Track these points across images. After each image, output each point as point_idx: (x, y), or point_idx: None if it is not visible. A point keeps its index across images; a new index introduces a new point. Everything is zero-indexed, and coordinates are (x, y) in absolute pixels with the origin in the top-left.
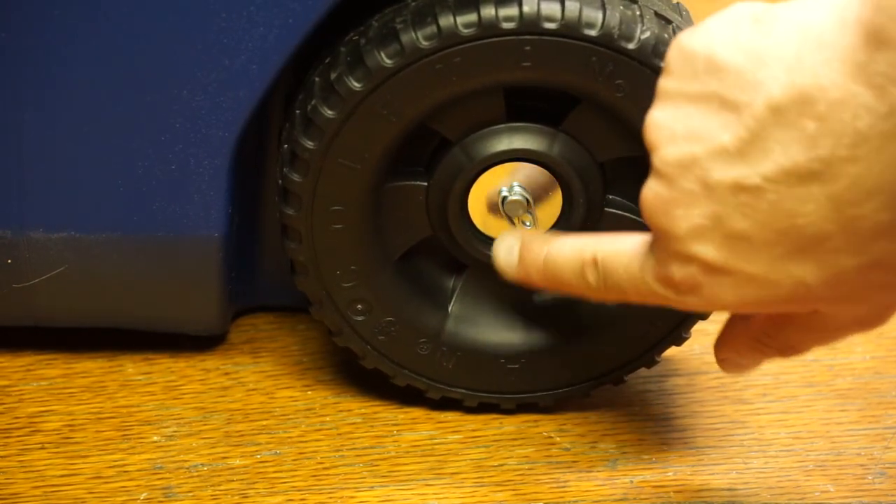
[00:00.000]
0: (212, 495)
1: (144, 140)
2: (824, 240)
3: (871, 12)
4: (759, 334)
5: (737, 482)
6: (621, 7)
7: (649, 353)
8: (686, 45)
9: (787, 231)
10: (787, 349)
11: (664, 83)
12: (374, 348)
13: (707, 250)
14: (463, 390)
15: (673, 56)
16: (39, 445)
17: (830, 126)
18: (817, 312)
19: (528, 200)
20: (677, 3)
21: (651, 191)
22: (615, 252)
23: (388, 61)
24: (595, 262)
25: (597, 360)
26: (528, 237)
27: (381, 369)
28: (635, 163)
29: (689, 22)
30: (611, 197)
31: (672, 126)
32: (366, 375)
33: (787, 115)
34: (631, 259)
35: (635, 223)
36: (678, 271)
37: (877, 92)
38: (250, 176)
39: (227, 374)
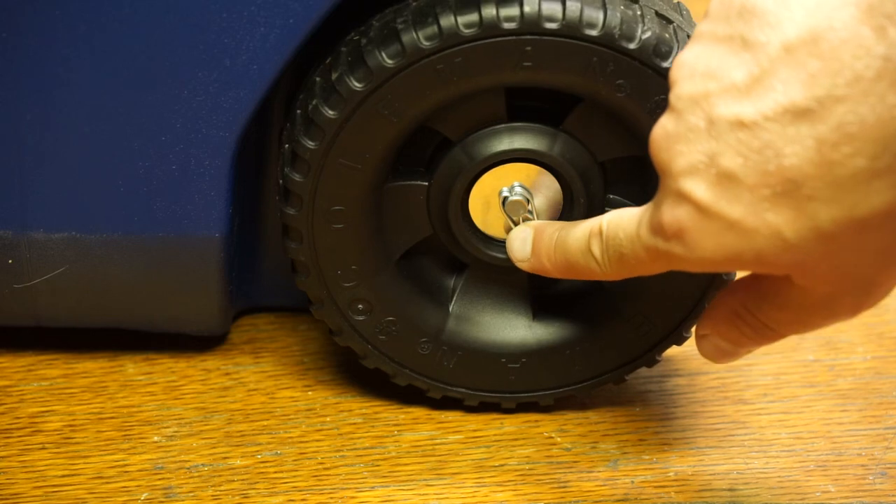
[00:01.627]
0: (212, 495)
1: (145, 140)
2: (802, 184)
3: None
4: (738, 307)
5: (738, 482)
6: (622, 7)
7: (650, 352)
8: None
9: (771, 173)
10: (765, 329)
11: (700, 26)
12: (374, 348)
13: (698, 188)
14: (463, 390)
15: (713, 4)
16: (40, 446)
17: (831, 65)
18: (792, 285)
19: (528, 200)
20: (678, 2)
21: (660, 126)
22: (618, 217)
23: (389, 61)
24: (600, 231)
25: (597, 360)
26: (541, 225)
27: (382, 369)
28: (636, 163)
29: (689, 21)
30: (611, 196)
31: (694, 64)
32: (367, 376)
33: (797, 54)
34: (630, 219)
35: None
36: (668, 213)
37: (878, 32)
38: (251, 176)
39: (227, 374)
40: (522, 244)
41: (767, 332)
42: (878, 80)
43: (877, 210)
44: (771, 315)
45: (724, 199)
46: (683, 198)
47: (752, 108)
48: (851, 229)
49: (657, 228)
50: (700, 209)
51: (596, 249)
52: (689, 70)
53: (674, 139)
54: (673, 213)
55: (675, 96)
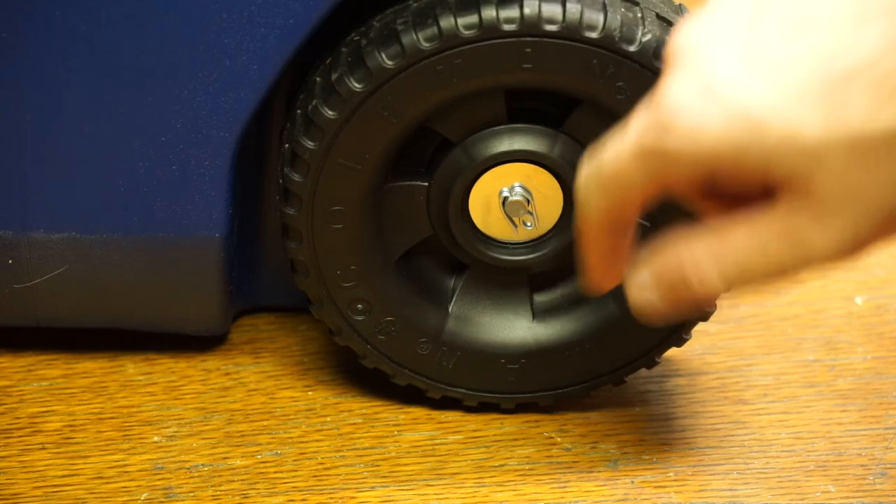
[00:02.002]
0: (212, 496)
1: (145, 140)
2: (854, 84)
3: None
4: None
5: (738, 482)
6: (622, 9)
7: (649, 353)
8: None
9: (821, 62)
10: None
11: None
12: (374, 348)
13: (722, 59)
14: (463, 390)
15: None
16: (40, 446)
17: None
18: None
19: (528, 201)
20: (680, 4)
21: (696, 18)
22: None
23: (388, 62)
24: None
25: (597, 361)
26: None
27: (381, 369)
28: None
29: None
30: None
31: None
32: (367, 376)
33: None
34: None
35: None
36: (672, 90)
37: None
38: (251, 176)
39: (227, 374)
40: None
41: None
42: None
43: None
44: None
45: (746, 77)
46: (697, 69)
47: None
48: (886, 144)
49: (651, 100)
50: (709, 85)
51: (582, 175)
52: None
53: (708, 24)
54: (676, 89)
55: None
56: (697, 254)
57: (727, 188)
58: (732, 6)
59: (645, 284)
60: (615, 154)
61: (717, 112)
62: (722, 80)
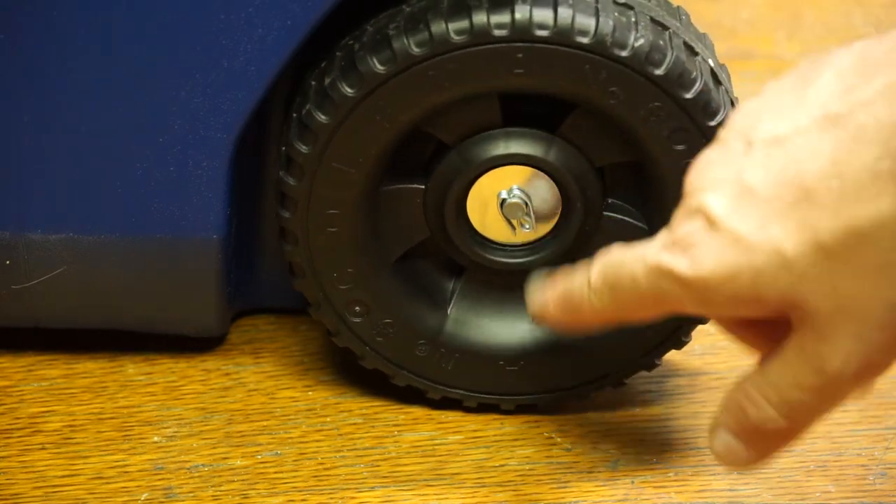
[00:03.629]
0: (213, 496)
1: (143, 141)
2: (813, 191)
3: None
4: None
5: (738, 483)
6: (615, 13)
7: (649, 356)
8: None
9: (788, 182)
10: (790, 411)
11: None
12: (372, 349)
13: (717, 202)
14: (462, 391)
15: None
16: (40, 446)
17: (868, 75)
18: (792, 337)
19: (526, 203)
20: (677, 7)
21: (702, 154)
22: (621, 246)
23: (380, 67)
24: (599, 260)
25: (596, 363)
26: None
27: (380, 369)
28: (635, 168)
29: (688, 26)
30: (611, 201)
31: (756, 107)
32: (367, 376)
33: (845, 75)
34: (635, 244)
35: (635, 228)
36: (682, 227)
37: None
38: (249, 177)
39: (227, 374)
40: (539, 292)
41: (793, 414)
42: None
43: (874, 220)
44: (791, 391)
45: (737, 214)
46: (700, 211)
47: (789, 124)
48: (851, 241)
49: (667, 243)
50: (711, 222)
51: (593, 277)
52: (748, 110)
53: (711, 163)
54: (686, 227)
55: (725, 129)
56: (752, 396)
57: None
58: (731, 134)
59: (729, 443)
60: (631, 263)
61: (717, 244)
62: (720, 216)
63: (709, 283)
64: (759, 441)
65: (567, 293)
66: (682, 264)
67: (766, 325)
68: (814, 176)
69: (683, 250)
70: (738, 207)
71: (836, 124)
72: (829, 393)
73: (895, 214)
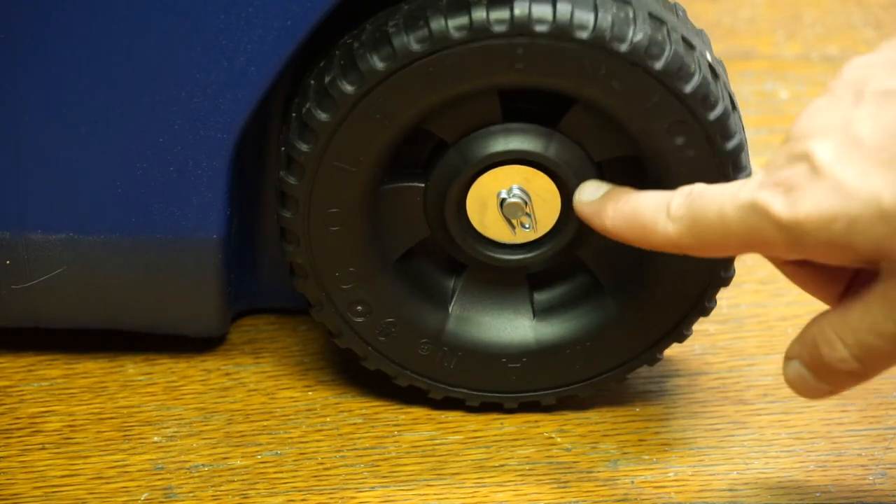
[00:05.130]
0: (212, 496)
1: (143, 141)
2: None
3: None
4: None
5: (737, 483)
6: (614, 9)
7: (651, 350)
8: None
9: (894, 136)
10: (864, 353)
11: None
12: (374, 349)
13: (823, 149)
14: (465, 390)
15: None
16: (40, 446)
17: None
18: (881, 284)
19: (526, 202)
20: (674, 3)
21: (812, 103)
22: (711, 185)
23: (380, 65)
24: (690, 191)
25: (598, 359)
26: (618, 188)
27: (382, 370)
28: (634, 163)
29: (685, 22)
30: None
31: (861, 61)
32: (367, 376)
33: None
34: (728, 184)
35: None
36: (787, 169)
37: None
38: (249, 178)
39: (228, 374)
40: (595, 189)
41: (867, 358)
42: None
43: None
44: (868, 337)
45: (841, 161)
46: (805, 157)
47: None
48: None
49: (766, 183)
50: (815, 167)
51: (675, 204)
52: (860, 63)
53: (819, 111)
54: (789, 171)
55: (836, 80)
56: (829, 336)
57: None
58: (841, 85)
59: (801, 373)
60: (721, 200)
61: (818, 189)
62: (824, 162)
63: (804, 226)
64: (831, 377)
65: (637, 211)
66: (779, 204)
67: (833, 275)
68: None
69: (784, 191)
70: (843, 155)
71: None
72: None
73: None
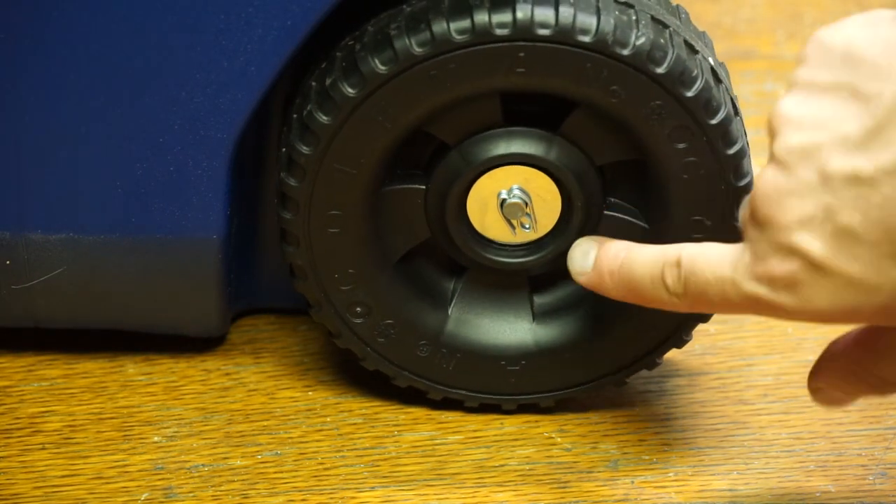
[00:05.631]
0: (213, 496)
1: (143, 141)
2: None
3: None
4: (853, 366)
5: (738, 483)
6: (616, 12)
7: (650, 355)
8: (825, 39)
9: (894, 229)
10: (884, 385)
11: (799, 73)
12: (373, 350)
13: (813, 243)
14: (463, 392)
15: (811, 48)
16: (40, 446)
17: None
18: None
19: (526, 203)
20: (677, 5)
21: (768, 178)
22: (701, 253)
23: (381, 67)
24: (678, 263)
25: (597, 362)
26: (607, 241)
27: (381, 371)
28: (635, 166)
29: (688, 25)
30: (611, 200)
31: (799, 113)
32: (367, 376)
33: None
34: (720, 258)
35: (635, 226)
36: (779, 265)
37: None
38: (249, 178)
39: (228, 374)
40: (584, 256)
41: (888, 388)
42: None
43: None
44: (892, 371)
45: (842, 256)
46: (795, 252)
47: (868, 162)
48: None
49: (764, 278)
50: (814, 265)
51: (670, 280)
52: (794, 120)
53: (785, 193)
54: (785, 266)
55: (782, 148)
56: None
57: None
58: (793, 158)
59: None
60: (719, 283)
61: (827, 284)
62: (822, 258)
63: (824, 316)
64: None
65: (635, 283)
66: (789, 301)
67: None
68: None
69: (786, 288)
70: (842, 249)
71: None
72: None
73: None
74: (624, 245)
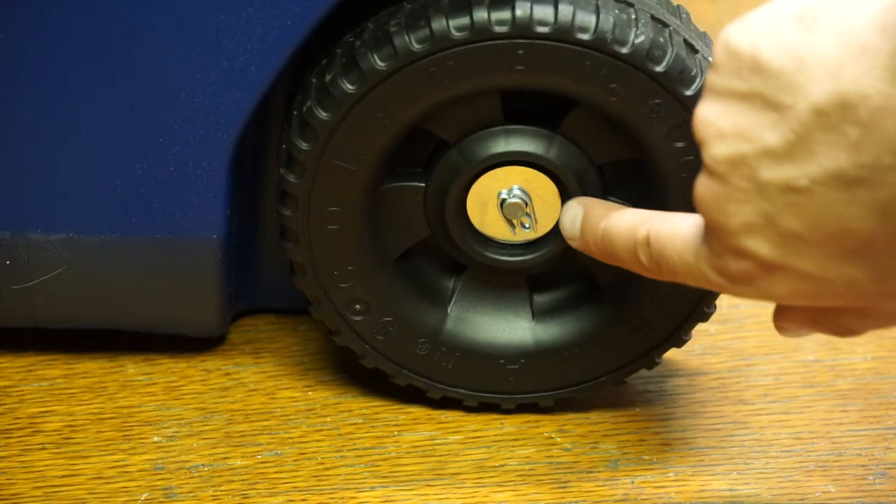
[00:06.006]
0: (212, 496)
1: (143, 141)
2: (874, 243)
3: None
4: (816, 315)
5: (738, 483)
6: (615, 11)
7: (649, 354)
8: (732, 42)
9: (837, 234)
10: (845, 331)
11: (711, 78)
12: (372, 348)
13: (761, 247)
14: (463, 390)
15: (719, 52)
16: (40, 446)
17: (873, 133)
18: (871, 306)
19: (526, 203)
20: (677, 5)
21: (705, 187)
22: (669, 234)
23: (381, 64)
24: (648, 242)
25: (597, 362)
26: (590, 207)
27: (381, 369)
28: (634, 165)
29: (688, 24)
30: (610, 199)
31: (720, 123)
32: (367, 376)
33: (830, 119)
34: (685, 244)
35: None
36: (734, 265)
37: None
38: (249, 177)
39: (227, 374)
40: (572, 223)
41: (848, 333)
42: None
43: None
44: (851, 321)
45: (791, 255)
46: (746, 254)
47: (798, 172)
48: None
49: (723, 272)
50: (766, 265)
51: (644, 258)
52: (716, 130)
53: (724, 200)
54: (740, 266)
55: (710, 158)
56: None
57: None
58: (723, 167)
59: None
60: (686, 269)
61: (783, 278)
62: (772, 259)
63: (787, 301)
64: None
65: (616, 255)
66: (749, 292)
67: None
68: (871, 231)
69: (744, 283)
70: (790, 249)
71: (865, 185)
72: None
73: None
74: (603, 212)
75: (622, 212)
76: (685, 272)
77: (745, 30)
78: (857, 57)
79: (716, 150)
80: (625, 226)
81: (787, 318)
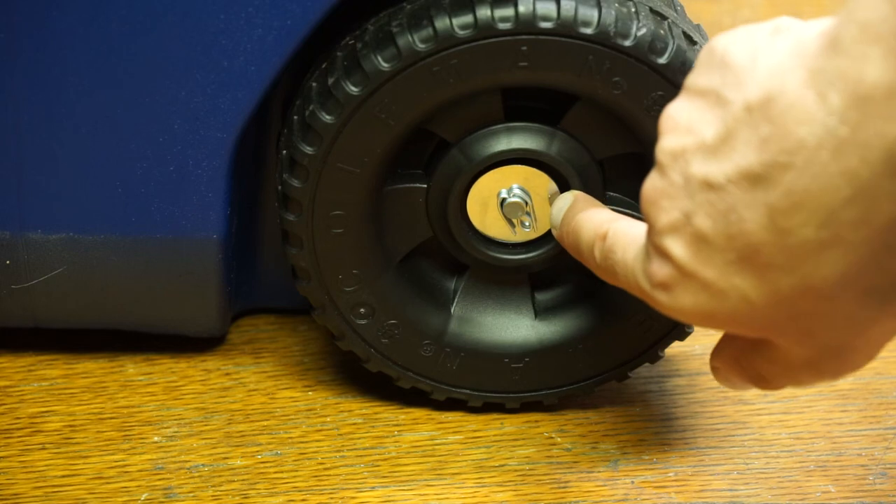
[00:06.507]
0: (213, 496)
1: (143, 141)
2: (760, 250)
3: (837, 20)
4: (737, 354)
5: (738, 483)
6: (616, 4)
7: (653, 348)
8: (712, 43)
9: (734, 237)
10: (759, 379)
11: (688, 77)
12: (377, 351)
13: (677, 247)
14: (467, 391)
15: (701, 52)
16: (40, 446)
17: (778, 130)
18: (772, 344)
19: (527, 202)
20: None
21: (649, 179)
22: (623, 233)
23: (385, 65)
24: (605, 238)
25: (600, 358)
26: (577, 200)
27: (385, 372)
28: (635, 160)
29: (684, 17)
30: (611, 194)
31: (677, 117)
32: (367, 376)
33: (755, 116)
34: (634, 244)
35: (635, 220)
36: (657, 268)
37: (819, 98)
38: (249, 177)
39: (228, 374)
40: (557, 213)
41: (762, 382)
42: (819, 149)
43: (829, 280)
44: (763, 367)
45: (697, 260)
46: (665, 255)
47: (718, 169)
48: (810, 297)
49: (648, 276)
50: (679, 268)
51: (596, 252)
52: (673, 123)
53: (660, 194)
54: (659, 268)
55: (660, 149)
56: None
57: None
58: (667, 159)
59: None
60: (623, 269)
61: (690, 287)
62: (683, 262)
63: (691, 318)
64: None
65: (580, 247)
66: (664, 300)
67: None
68: (757, 237)
69: (662, 288)
70: (697, 253)
71: (763, 184)
72: None
73: (844, 272)
74: (585, 206)
75: (600, 209)
76: (623, 273)
77: (727, 35)
78: (792, 57)
79: (666, 141)
80: (594, 221)
81: (718, 356)
